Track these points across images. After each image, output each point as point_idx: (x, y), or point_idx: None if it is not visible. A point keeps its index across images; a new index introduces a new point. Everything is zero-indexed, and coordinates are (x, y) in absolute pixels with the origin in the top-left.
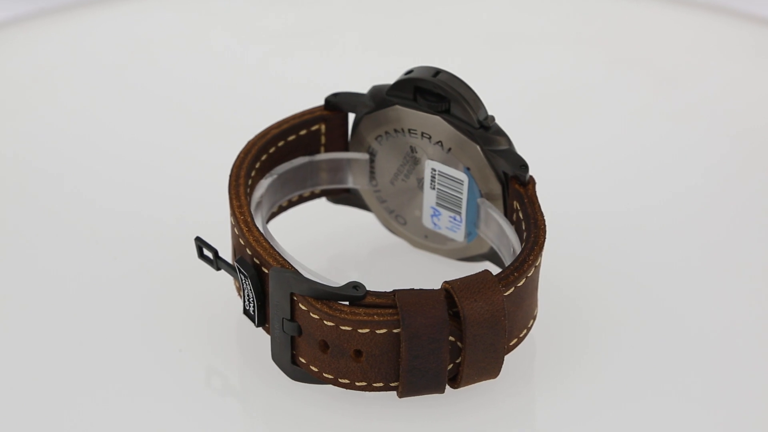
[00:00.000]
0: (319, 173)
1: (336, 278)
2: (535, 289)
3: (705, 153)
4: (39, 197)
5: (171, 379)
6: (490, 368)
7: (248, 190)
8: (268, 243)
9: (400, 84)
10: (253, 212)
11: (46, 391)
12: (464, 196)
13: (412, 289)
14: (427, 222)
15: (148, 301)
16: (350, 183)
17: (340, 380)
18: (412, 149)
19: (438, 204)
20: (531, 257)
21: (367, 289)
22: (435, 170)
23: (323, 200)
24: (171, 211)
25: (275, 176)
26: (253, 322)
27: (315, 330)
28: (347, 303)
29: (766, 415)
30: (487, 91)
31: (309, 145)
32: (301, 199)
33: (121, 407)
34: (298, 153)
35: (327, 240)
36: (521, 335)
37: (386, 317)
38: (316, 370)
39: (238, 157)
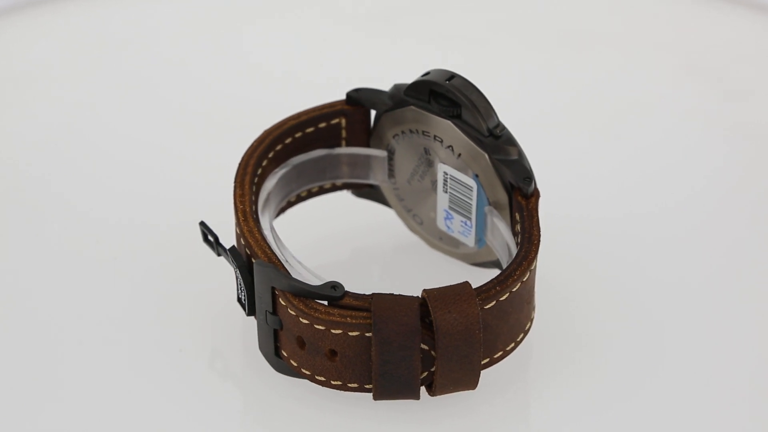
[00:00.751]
0: (340, 166)
1: (356, 272)
2: (526, 303)
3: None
4: (39, 196)
5: (171, 379)
6: (466, 380)
7: (256, 179)
8: (261, 235)
9: (416, 85)
10: (262, 202)
11: (45, 391)
12: (474, 203)
13: (390, 295)
14: (440, 224)
15: (148, 301)
16: (371, 179)
17: (316, 377)
18: (426, 151)
19: (450, 207)
20: (517, 272)
21: (387, 286)
22: (447, 174)
23: (348, 194)
24: (171, 212)
25: (290, 167)
26: (245, 310)
27: (293, 326)
28: (326, 303)
29: (761, 415)
30: (536, 91)
31: (329, 138)
32: (322, 190)
33: (120, 407)
34: (316, 145)
35: (352, 233)
36: (508, 348)
37: (359, 320)
38: (295, 364)
39: (251, 146)
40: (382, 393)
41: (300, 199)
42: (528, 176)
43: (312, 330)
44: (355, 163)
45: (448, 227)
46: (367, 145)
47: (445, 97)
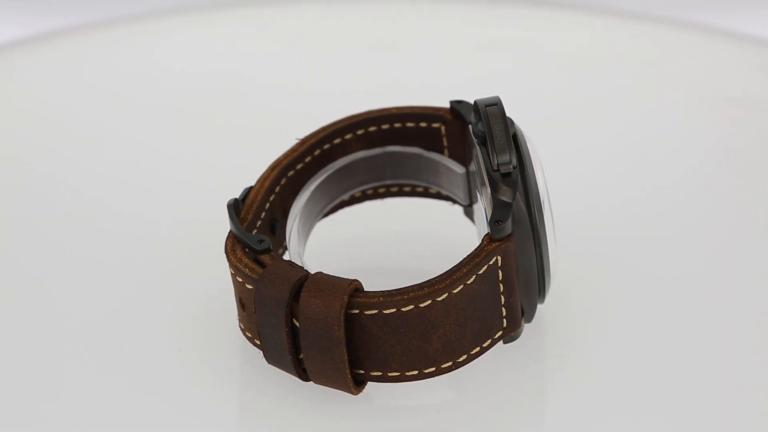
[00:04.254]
0: (439, 176)
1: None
2: (430, 331)
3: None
4: (43, 198)
5: (171, 380)
6: (336, 378)
7: (332, 144)
8: (265, 192)
9: (473, 106)
10: (333, 171)
11: (44, 391)
12: None
13: (319, 273)
14: None
15: (148, 302)
16: (460, 198)
17: (246, 333)
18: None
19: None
20: (410, 293)
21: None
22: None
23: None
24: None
25: (381, 151)
26: None
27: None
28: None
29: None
30: None
31: (427, 141)
32: (414, 192)
33: (120, 406)
34: (414, 143)
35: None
36: (408, 373)
37: (252, 274)
38: (242, 327)
39: (350, 117)
40: (268, 356)
41: (390, 193)
42: (500, 220)
43: (234, 278)
44: (446, 174)
45: None
46: (465, 160)
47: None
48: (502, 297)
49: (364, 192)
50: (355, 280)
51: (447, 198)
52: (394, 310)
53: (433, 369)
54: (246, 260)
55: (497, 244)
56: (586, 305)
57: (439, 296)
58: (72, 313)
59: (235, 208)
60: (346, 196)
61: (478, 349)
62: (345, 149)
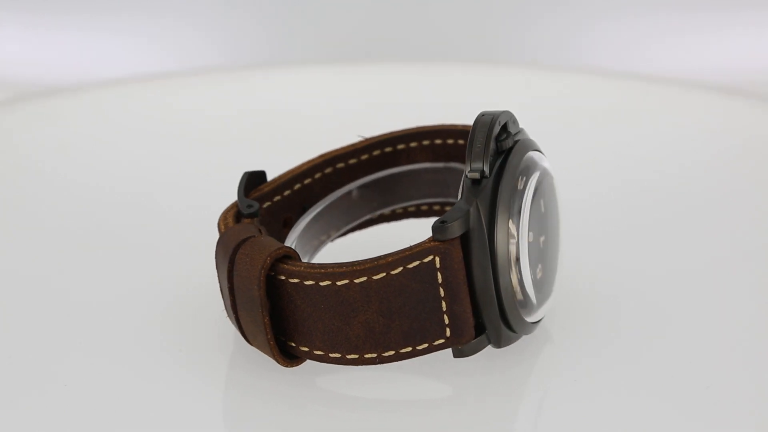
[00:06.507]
0: None
1: None
2: (350, 314)
3: None
4: (50, 200)
5: (171, 380)
6: (263, 342)
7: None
8: (299, 173)
9: None
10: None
11: (43, 391)
12: None
13: (262, 236)
14: None
15: (149, 301)
16: None
17: None
18: None
19: None
20: (331, 268)
21: None
22: None
23: None
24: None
25: (444, 165)
26: None
27: None
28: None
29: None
30: None
31: None
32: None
33: (120, 405)
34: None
35: None
36: (332, 355)
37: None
38: None
39: (407, 129)
40: (226, 311)
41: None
42: (445, 220)
43: None
44: None
45: None
46: None
47: None
48: (444, 303)
49: (418, 207)
50: (289, 248)
51: None
52: (313, 282)
53: (356, 356)
54: (229, 222)
55: (435, 243)
56: (586, 305)
57: (357, 278)
58: (71, 311)
59: (258, 178)
60: (387, 210)
61: (410, 349)
62: (409, 156)
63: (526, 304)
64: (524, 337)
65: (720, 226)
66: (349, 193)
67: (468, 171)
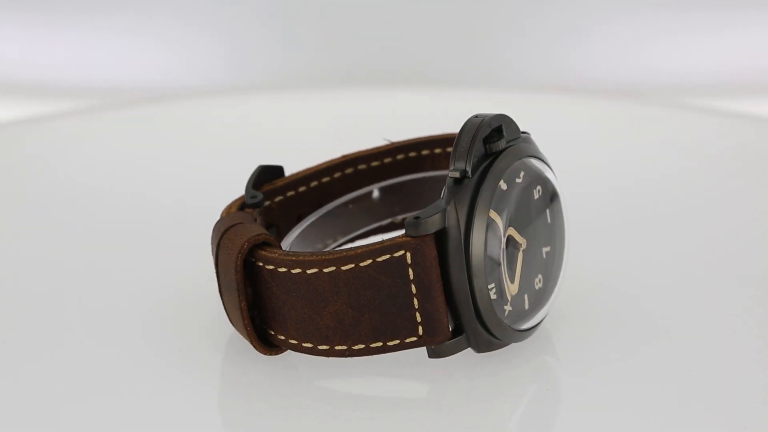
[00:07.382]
0: None
1: None
2: (321, 305)
3: None
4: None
5: (171, 380)
6: (241, 327)
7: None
8: (317, 172)
9: None
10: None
11: (43, 391)
12: None
13: (249, 223)
14: None
15: (149, 302)
16: None
17: None
18: None
19: None
20: (302, 256)
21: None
22: None
23: None
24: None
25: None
26: None
27: None
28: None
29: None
30: None
31: None
32: None
33: (120, 406)
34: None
35: None
36: (305, 345)
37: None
38: None
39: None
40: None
41: None
42: (419, 216)
43: None
44: None
45: None
46: None
47: None
48: (416, 300)
49: None
50: (268, 234)
51: None
52: (286, 269)
53: (326, 347)
54: (232, 211)
55: (408, 238)
56: (585, 305)
57: (326, 267)
58: (71, 310)
59: (276, 173)
60: (398, 219)
61: (380, 344)
62: (433, 162)
63: (517, 311)
64: (523, 343)
65: (720, 225)
66: (370, 193)
67: (450, 170)
